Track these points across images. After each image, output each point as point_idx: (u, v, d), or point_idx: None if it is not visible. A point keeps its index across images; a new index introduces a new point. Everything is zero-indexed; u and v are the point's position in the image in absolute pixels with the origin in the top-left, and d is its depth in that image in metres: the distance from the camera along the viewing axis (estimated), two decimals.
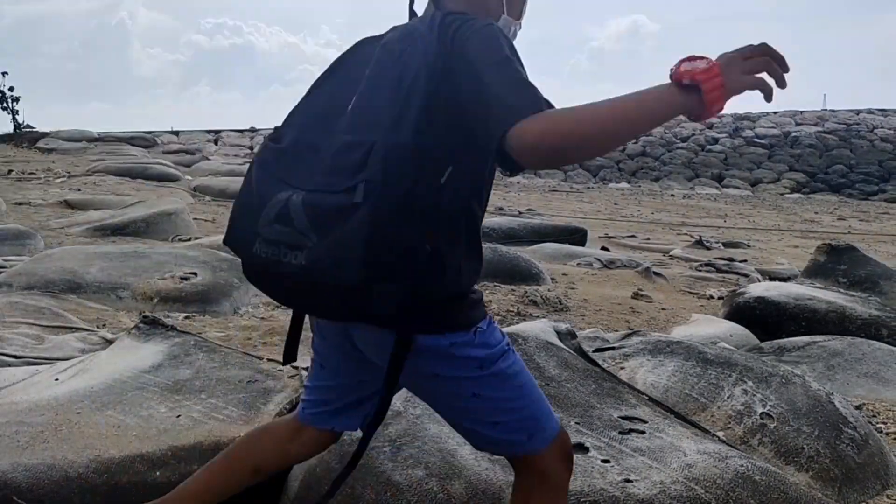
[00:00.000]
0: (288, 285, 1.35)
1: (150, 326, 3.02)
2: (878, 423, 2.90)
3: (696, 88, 1.18)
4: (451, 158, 1.33)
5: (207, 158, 19.56)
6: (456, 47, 1.32)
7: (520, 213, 13.37)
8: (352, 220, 1.23)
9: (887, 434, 2.80)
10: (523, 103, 1.23)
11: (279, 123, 1.52)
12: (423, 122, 1.28)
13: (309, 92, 1.50)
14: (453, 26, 1.34)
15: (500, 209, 14.06)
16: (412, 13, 1.53)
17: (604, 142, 1.24)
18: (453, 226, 1.36)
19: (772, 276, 7.33)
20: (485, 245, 6.99)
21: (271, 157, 1.43)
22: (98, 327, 3.83)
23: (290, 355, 1.64)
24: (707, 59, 1.20)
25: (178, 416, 2.28)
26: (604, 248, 8.78)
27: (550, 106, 1.25)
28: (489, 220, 9.84)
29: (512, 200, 16.85)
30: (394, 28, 1.47)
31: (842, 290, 5.63)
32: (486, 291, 5.43)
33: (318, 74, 1.52)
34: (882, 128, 29.99)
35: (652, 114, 1.22)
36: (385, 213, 1.23)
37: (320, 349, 1.65)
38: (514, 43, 1.39)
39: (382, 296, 1.26)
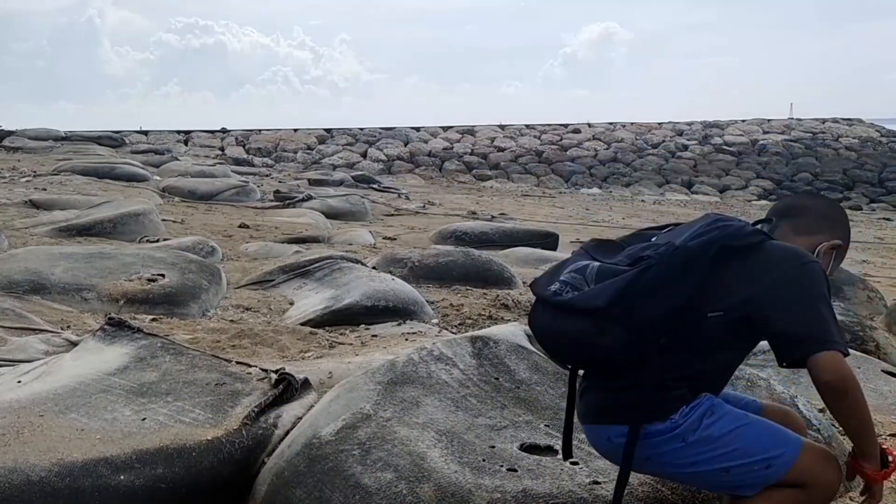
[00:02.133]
0: (554, 315, 1.74)
1: (116, 328, 2.97)
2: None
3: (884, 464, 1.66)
4: (723, 308, 1.67)
5: (177, 159, 19.27)
6: (773, 264, 1.68)
7: (492, 217, 13.41)
8: (623, 274, 1.66)
9: None
10: (832, 335, 1.59)
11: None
12: (710, 244, 1.66)
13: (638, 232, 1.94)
14: (789, 252, 1.71)
15: (473, 213, 14.09)
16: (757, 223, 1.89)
17: (853, 418, 1.63)
18: (699, 355, 1.68)
19: None
20: (457, 248, 6.97)
21: (591, 244, 1.90)
22: (62, 329, 3.76)
23: (567, 452, 1.91)
24: None
25: (144, 419, 2.24)
26: None
27: (840, 343, 1.59)
28: (462, 224, 9.86)
29: (485, 205, 16.89)
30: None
31: None
32: (458, 295, 5.44)
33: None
34: (847, 137, 30.63)
35: (870, 445, 1.66)
36: (647, 279, 1.63)
37: None
38: None
39: (610, 333, 1.64)
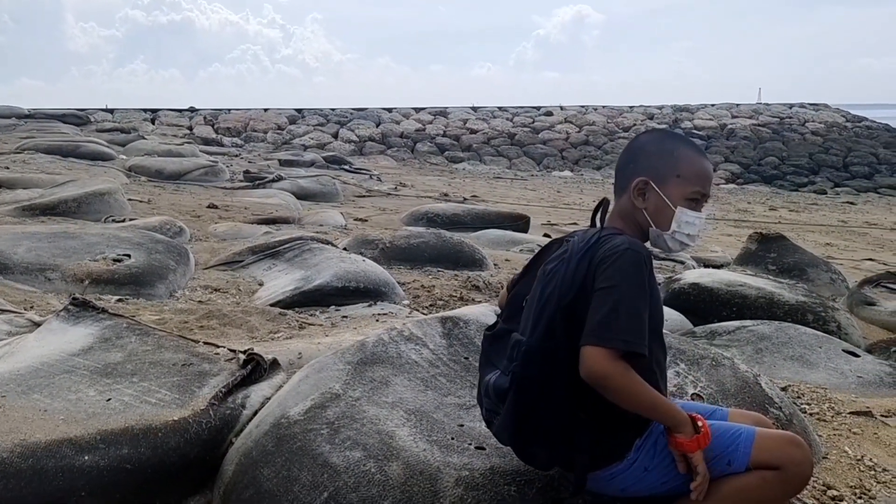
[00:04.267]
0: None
1: (80, 309, 2.92)
2: (802, 403, 3.02)
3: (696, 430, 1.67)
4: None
5: (143, 138, 18.92)
6: (592, 270, 1.66)
7: (464, 199, 13.41)
8: (508, 399, 1.70)
9: (811, 414, 2.92)
10: (601, 332, 1.59)
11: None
12: (551, 330, 1.65)
13: (510, 286, 1.94)
14: (599, 252, 1.67)
15: (445, 195, 14.09)
16: (593, 221, 1.84)
17: (632, 408, 1.65)
18: (603, 403, 1.65)
19: (706, 264, 7.55)
20: (429, 230, 6.97)
21: (485, 343, 1.92)
22: (25, 309, 3.69)
23: None
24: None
25: (109, 399, 2.21)
26: (546, 235, 8.89)
27: (634, 341, 1.59)
28: (434, 206, 9.85)
29: (457, 187, 16.88)
30: (574, 234, 1.82)
31: (771, 277, 5.84)
32: (429, 276, 5.44)
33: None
34: (813, 122, 31.11)
35: (665, 420, 1.68)
36: (523, 398, 1.67)
37: None
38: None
39: (535, 455, 1.78)
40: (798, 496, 2.15)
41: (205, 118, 29.11)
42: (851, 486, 2.33)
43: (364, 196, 13.20)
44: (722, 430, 1.74)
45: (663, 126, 29.90)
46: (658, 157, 1.80)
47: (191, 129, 27.51)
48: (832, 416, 2.91)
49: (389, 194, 13.86)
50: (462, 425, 2.09)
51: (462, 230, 7.94)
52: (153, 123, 27.90)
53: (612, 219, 1.84)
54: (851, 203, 18.91)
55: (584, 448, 1.70)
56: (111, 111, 29.15)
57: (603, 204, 1.84)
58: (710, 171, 1.84)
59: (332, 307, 4.34)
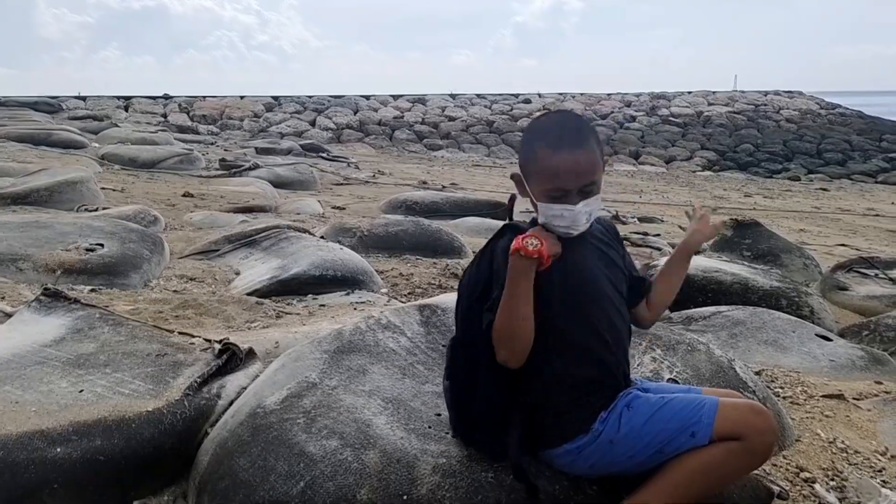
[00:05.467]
0: None
1: (52, 299, 2.88)
2: (775, 387, 3.06)
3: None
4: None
5: (117, 125, 18.66)
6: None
7: (443, 187, 13.39)
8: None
9: (784, 398, 2.96)
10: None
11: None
12: (469, 324, 1.80)
13: None
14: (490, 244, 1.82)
15: (424, 183, 14.05)
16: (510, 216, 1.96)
17: (511, 328, 1.69)
18: (538, 383, 1.77)
19: None
20: (407, 218, 6.92)
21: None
22: None
23: None
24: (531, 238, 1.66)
25: (81, 390, 2.18)
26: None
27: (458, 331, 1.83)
28: (412, 194, 9.82)
29: (436, 174, 16.85)
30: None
31: (746, 263, 5.89)
32: (408, 264, 5.43)
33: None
34: (787, 109, 31.44)
35: (513, 293, 1.67)
36: (456, 392, 1.85)
37: None
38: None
39: (479, 442, 1.86)
40: (771, 478, 2.18)
41: (179, 106, 28.76)
42: (824, 468, 2.37)
43: (342, 184, 13.13)
44: (685, 403, 1.75)
45: (641, 113, 30.05)
46: (522, 153, 1.80)
47: (165, 116, 27.17)
48: (805, 400, 2.95)
49: (367, 182, 13.80)
50: (439, 413, 2.09)
51: (441, 218, 7.93)
52: (126, 111, 27.51)
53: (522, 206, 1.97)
54: (825, 189, 19.14)
55: (519, 426, 1.78)
56: (84, 98, 28.71)
57: (511, 199, 1.95)
58: (567, 165, 1.67)
59: (310, 296, 4.32)
